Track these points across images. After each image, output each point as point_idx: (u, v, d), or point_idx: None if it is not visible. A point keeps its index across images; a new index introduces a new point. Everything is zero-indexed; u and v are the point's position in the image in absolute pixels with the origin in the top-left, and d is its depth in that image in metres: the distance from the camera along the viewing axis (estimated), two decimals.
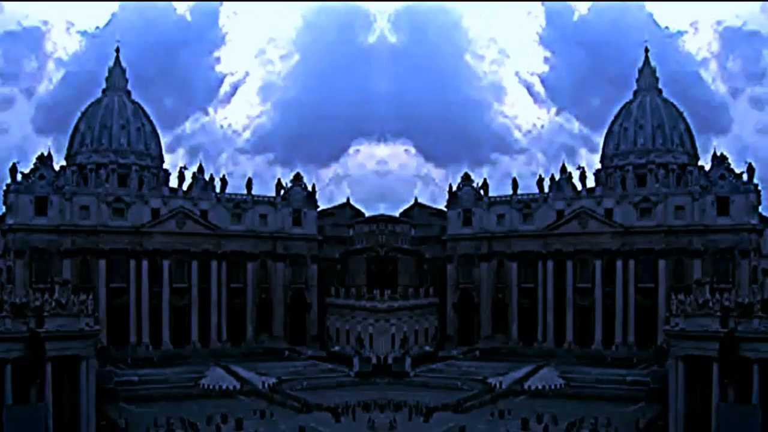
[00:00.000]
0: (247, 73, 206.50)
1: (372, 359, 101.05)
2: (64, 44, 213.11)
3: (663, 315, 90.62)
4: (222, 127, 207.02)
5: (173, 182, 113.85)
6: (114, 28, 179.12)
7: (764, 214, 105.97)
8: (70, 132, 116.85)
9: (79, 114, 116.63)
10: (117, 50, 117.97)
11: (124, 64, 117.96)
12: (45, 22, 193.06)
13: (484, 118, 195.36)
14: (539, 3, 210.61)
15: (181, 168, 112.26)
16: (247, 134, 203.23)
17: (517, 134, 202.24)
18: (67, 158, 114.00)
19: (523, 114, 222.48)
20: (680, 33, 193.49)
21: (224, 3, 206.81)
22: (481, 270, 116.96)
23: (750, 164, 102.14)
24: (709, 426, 63.74)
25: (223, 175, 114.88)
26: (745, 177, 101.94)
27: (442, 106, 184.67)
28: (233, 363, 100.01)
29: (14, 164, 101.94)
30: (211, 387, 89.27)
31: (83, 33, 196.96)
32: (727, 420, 62.37)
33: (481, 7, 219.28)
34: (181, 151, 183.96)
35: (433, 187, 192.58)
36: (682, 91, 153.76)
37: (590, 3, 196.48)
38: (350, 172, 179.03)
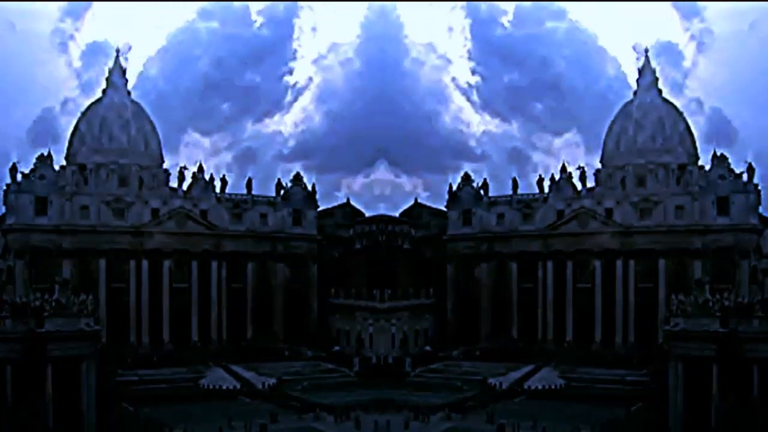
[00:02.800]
0: (310, 79, 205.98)
1: (372, 359, 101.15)
2: (144, 57, 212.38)
3: (663, 315, 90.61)
4: (276, 132, 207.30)
5: (173, 182, 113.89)
6: (190, 40, 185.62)
7: (764, 214, 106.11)
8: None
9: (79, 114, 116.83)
10: (117, 50, 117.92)
11: (124, 64, 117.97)
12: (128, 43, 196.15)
13: (435, 124, 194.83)
14: (464, 15, 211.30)
15: (181, 168, 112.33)
16: (291, 142, 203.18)
17: (471, 141, 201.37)
18: (67, 158, 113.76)
19: (469, 120, 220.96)
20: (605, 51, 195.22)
21: (301, 11, 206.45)
22: (481, 270, 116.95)
23: (750, 164, 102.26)
24: (709, 426, 63.80)
25: (223, 175, 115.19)
26: (745, 177, 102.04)
27: (394, 113, 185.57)
28: (233, 363, 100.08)
29: (14, 164, 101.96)
30: (211, 387, 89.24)
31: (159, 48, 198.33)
32: (727, 420, 62.39)
33: (415, 8, 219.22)
34: (227, 157, 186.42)
35: (405, 193, 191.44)
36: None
37: (514, 6, 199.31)
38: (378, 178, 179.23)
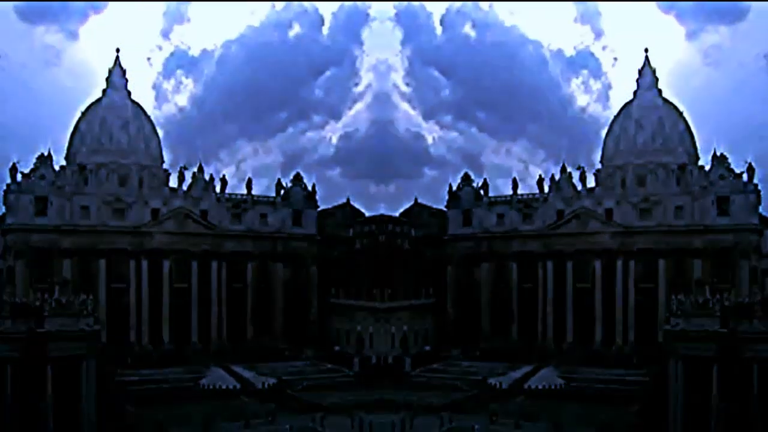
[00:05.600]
0: (369, 86, 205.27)
1: (372, 359, 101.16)
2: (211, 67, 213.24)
3: (663, 315, 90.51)
4: (325, 138, 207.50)
5: (173, 182, 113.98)
6: (256, 50, 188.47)
7: (764, 214, 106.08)
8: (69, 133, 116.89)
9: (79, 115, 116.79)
10: (117, 50, 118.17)
11: (124, 64, 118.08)
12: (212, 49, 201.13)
13: (390, 131, 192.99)
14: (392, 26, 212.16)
15: (181, 168, 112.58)
16: (331, 149, 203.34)
17: (427, 147, 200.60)
18: (67, 158, 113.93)
19: (419, 126, 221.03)
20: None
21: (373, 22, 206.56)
22: (481, 270, 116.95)
23: (750, 164, 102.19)
24: (708, 426, 63.69)
25: (223, 175, 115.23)
26: (745, 177, 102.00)
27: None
28: (233, 363, 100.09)
29: (14, 164, 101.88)
30: (211, 387, 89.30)
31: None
32: (727, 420, 62.34)
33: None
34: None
35: (382, 200, 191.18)
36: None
37: (440, 16, 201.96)
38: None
